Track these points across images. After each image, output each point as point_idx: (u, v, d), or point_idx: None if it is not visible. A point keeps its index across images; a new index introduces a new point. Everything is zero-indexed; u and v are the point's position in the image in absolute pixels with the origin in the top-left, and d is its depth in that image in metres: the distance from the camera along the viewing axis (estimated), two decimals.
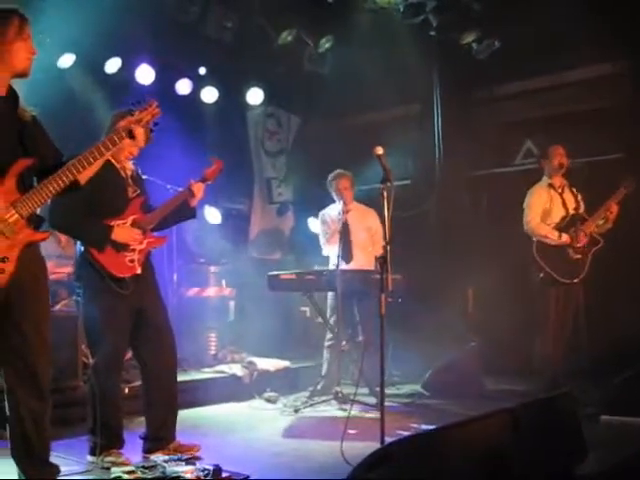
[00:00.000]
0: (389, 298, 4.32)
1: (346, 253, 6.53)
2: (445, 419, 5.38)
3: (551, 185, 6.49)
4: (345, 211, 6.64)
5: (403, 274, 6.49)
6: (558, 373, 6.11)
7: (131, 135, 3.40)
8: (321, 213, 6.99)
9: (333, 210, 6.85)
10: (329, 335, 6.71)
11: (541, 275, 6.28)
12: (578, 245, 6.29)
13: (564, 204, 6.44)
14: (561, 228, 6.36)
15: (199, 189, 4.57)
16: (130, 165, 4.52)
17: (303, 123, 9.91)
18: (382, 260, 4.18)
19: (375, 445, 4.15)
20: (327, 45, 7.78)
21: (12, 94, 3.34)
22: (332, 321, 6.66)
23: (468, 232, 7.78)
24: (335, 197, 6.82)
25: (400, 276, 6.32)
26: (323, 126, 9.29)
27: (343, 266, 6.35)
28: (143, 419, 4.58)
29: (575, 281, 6.25)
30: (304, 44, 7.77)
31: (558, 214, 6.42)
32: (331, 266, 6.69)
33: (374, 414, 5.70)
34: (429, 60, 7.73)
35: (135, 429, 4.65)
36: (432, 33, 7.34)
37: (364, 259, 6.65)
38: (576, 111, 7.60)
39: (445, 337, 7.01)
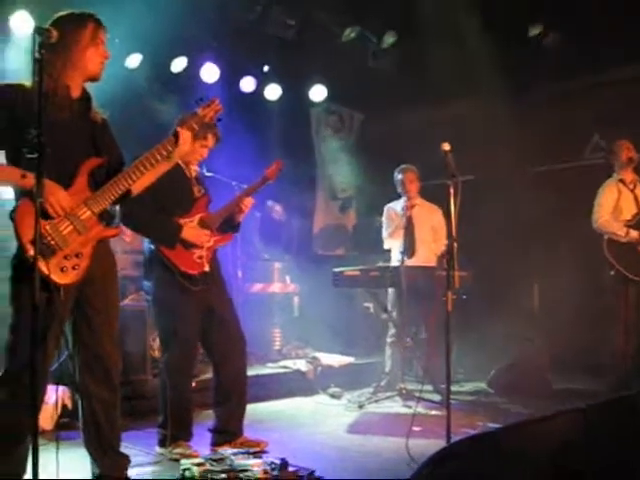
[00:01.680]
0: (454, 295, 4.28)
1: (408, 248, 6.50)
2: (510, 418, 5.35)
3: (622, 181, 6.37)
4: (410, 206, 6.63)
5: (469, 271, 6.46)
6: (630, 371, 5.99)
7: (176, 136, 3.44)
8: (386, 207, 7.00)
9: (398, 205, 6.86)
10: (391, 331, 6.71)
11: (612, 273, 6.19)
12: None
13: (636, 200, 6.31)
14: (632, 225, 6.24)
15: (247, 204, 4.63)
16: (195, 166, 4.61)
17: (366, 120, 9.91)
18: (448, 257, 4.16)
19: (441, 442, 4.15)
20: (390, 41, 7.75)
21: (86, 96, 3.43)
22: (394, 317, 6.65)
23: (535, 228, 7.66)
24: (400, 191, 6.82)
25: (466, 273, 6.28)
26: (386, 122, 9.25)
27: (405, 262, 6.33)
28: (210, 412, 4.67)
29: None
30: (367, 40, 7.76)
31: (630, 211, 6.30)
32: (393, 261, 6.68)
33: (438, 411, 5.68)
34: (494, 53, 7.61)
35: (202, 422, 4.72)
36: (497, 26, 7.23)
37: (426, 255, 6.64)
38: None
39: (511, 335, 6.92)
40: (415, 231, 6.63)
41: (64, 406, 4.96)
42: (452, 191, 4.22)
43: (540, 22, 7.41)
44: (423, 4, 7.03)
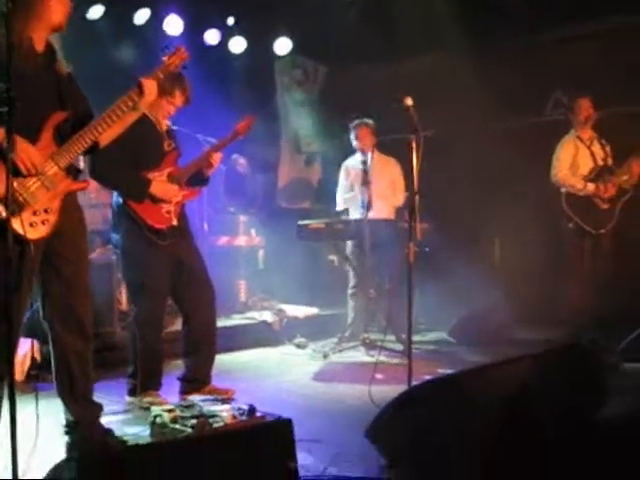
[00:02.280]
0: (416, 247, 4.40)
1: (365, 202, 6.59)
2: (471, 366, 5.51)
3: (579, 138, 6.54)
4: (364, 161, 6.69)
5: (431, 224, 6.58)
6: (585, 322, 6.20)
7: (140, 88, 3.46)
8: (343, 164, 7.06)
9: (353, 160, 6.93)
10: (352, 283, 6.84)
11: (570, 225, 6.39)
12: (606, 195, 6.34)
13: (592, 156, 6.50)
14: (589, 179, 6.43)
15: (216, 159, 4.68)
16: (166, 120, 4.63)
17: (330, 73, 9.90)
18: (410, 209, 4.26)
19: (402, 389, 4.28)
20: None
21: (50, 49, 3.43)
22: (356, 269, 6.77)
23: (497, 183, 7.80)
24: (355, 146, 6.87)
25: (428, 225, 6.40)
26: (351, 76, 9.26)
27: (357, 216, 6.46)
28: (178, 362, 4.79)
29: (603, 231, 6.34)
30: None
31: (586, 166, 6.49)
32: (353, 217, 6.77)
33: (401, 360, 5.84)
34: (458, 9, 7.65)
35: (171, 372, 4.82)
36: None
37: (384, 209, 6.75)
38: (605, 61, 7.51)
39: (472, 286, 7.08)
40: (372, 185, 6.67)
41: (33, 358, 5.02)
42: (414, 145, 4.32)
43: None
44: None
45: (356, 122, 6.89)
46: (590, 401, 3.36)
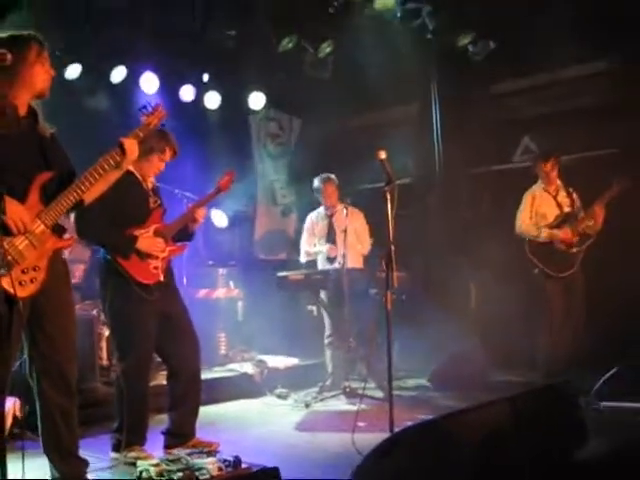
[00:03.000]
0: (393, 295, 4.51)
1: (333, 258, 6.88)
2: (451, 410, 5.57)
3: (544, 189, 6.79)
4: (330, 214, 6.90)
5: (406, 271, 6.70)
6: (558, 363, 6.33)
7: (122, 149, 3.57)
8: (308, 217, 7.23)
9: (318, 213, 7.19)
10: (327, 332, 6.93)
11: (536, 271, 6.64)
12: (567, 242, 6.60)
13: (558, 205, 6.72)
14: (553, 226, 6.68)
15: (201, 215, 4.80)
16: (152, 178, 4.74)
17: (305, 126, 10.09)
18: (387, 258, 4.37)
19: (384, 435, 4.35)
20: (327, 50, 7.94)
21: (32, 113, 3.54)
22: (332, 318, 6.86)
23: (468, 229, 7.95)
24: (320, 200, 7.07)
25: (404, 273, 6.52)
26: (325, 128, 9.45)
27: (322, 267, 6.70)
28: (162, 417, 4.81)
29: (566, 275, 6.56)
30: (305, 49, 7.94)
31: (552, 215, 6.75)
32: (320, 267, 6.96)
33: (382, 407, 5.89)
34: (427, 61, 7.90)
35: (154, 426, 4.81)
36: (429, 36, 7.52)
37: (353, 258, 6.86)
38: (571, 108, 7.76)
39: (449, 332, 7.16)
40: (336, 237, 6.88)
41: (15, 416, 5.01)
42: (389, 196, 4.45)
43: (470, 30, 7.69)
44: (358, 16, 7.26)
45: (322, 176, 7.08)
46: (567, 443, 3.43)
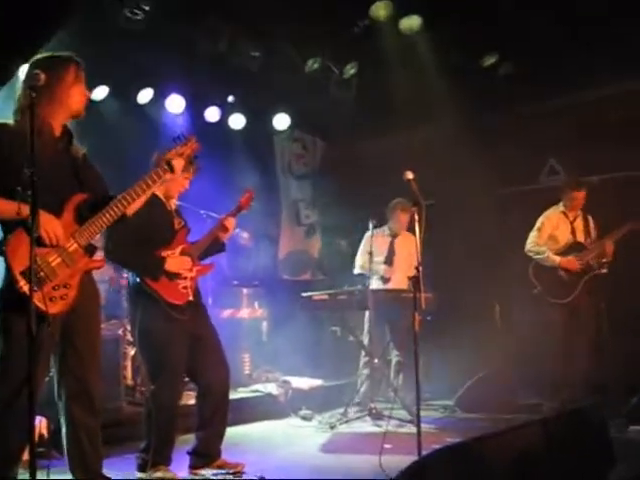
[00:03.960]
0: (420, 316, 4.48)
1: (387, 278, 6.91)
2: (479, 433, 5.51)
3: (564, 213, 6.80)
4: (394, 235, 7.01)
5: (433, 292, 6.67)
6: (574, 388, 6.30)
7: (170, 167, 3.61)
8: (370, 232, 7.12)
9: (382, 232, 7.16)
10: (364, 352, 6.90)
11: (535, 291, 6.72)
12: (571, 269, 6.61)
13: (573, 232, 6.77)
14: (561, 253, 6.71)
15: (231, 224, 4.81)
16: (175, 199, 4.76)
17: (329, 146, 10.13)
18: (415, 279, 4.35)
19: (412, 458, 4.29)
20: (352, 71, 7.98)
21: (67, 133, 3.60)
22: (367, 340, 6.84)
23: (495, 249, 7.91)
24: (390, 220, 7.12)
25: (431, 294, 6.49)
26: (349, 149, 9.48)
27: (376, 286, 6.56)
28: (187, 437, 4.79)
29: (566, 301, 6.57)
30: (329, 70, 7.98)
31: (564, 240, 6.79)
32: (372, 286, 6.88)
33: (408, 429, 5.85)
34: (452, 83, 7.89)
35: (179, 446, 4.80)
36: (454, 57, 7.52)
37: (401, 281, 6.84)
38: (597, 129, 7.72)
39: (475, 354, 7.12)
40: (395, 259, 6.93)
41: (41, 435, 5.02)
42: (417, 217, 4.44)
43: (494, 52, 7.69)
44: (383, 37, 7.28)
45: (397, 202, 7.09)
46: (597, 466, 3.40)
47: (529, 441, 2.99)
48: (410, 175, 4.49)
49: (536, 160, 8.34)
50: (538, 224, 6.91)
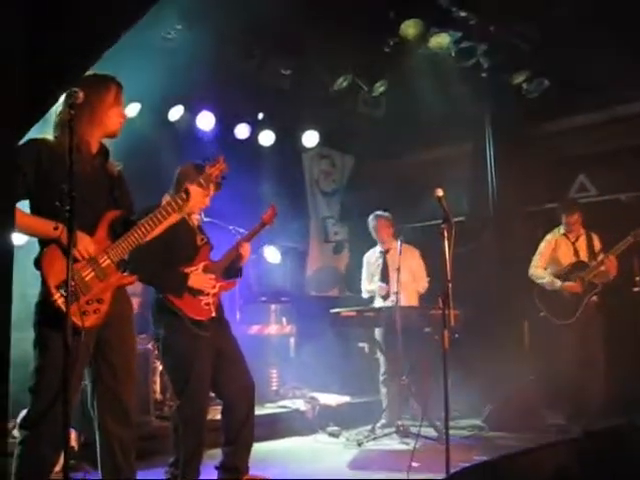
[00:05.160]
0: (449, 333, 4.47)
1: (385, 296, 6.93)
2: (506, 452, 5.47)
3: (565, 235, 6.85)
4: (385, 251, 6.91)
5: (460, 309, 6.64)
6: (598, 406, 6.32)
7: (187, 193, 3.65)
8: (365, 256, 7.26)
9: (374, 251, 7.22)
10: (382, 369, 6.89)
11: (541, 314, 6.78)
12: (572, 291, 6.63)
13: (575, 252, 6.78)
14: (563, 274, 6.75)
15: (246, 251, 4.84)
16: (197, 215, 4.80)
17: (357, 163, 10.17)
18: (444, 296, 4.34)
19: (440, 476, 4.29)
20: (381, 89, 8.03)
21: (103, 150, 3.66)
22: (386, 356, 6.83)
23: (524, 266, 7.87)
24: (375, 237, 7.13)
25: (458, 312, 6.47)
26: (377, 166, 9.51)
27: (384, 303, 6.69)
28: (214, 451, 4.80)
29: (570, 322, 6.59)
30: (359, 88, 8.03)
31: (567, 261, 6.82)
32: (376, 304, 6.97)
33: (436, 447, 5.82)
34: (481, 100, 7.91)
35: (207, 461, 4.81)
36: (483, 75, 7.54)
37: (406, 296, 6.86)
38: (627, 145, 7.69)
39: (503, 371, 7.08)
40: (389, 274, 6.89)
41: (71, 448, 5.06)
42: (446, 234, 4.44)
43: (524, 69, 7.70)
44: (412, 55, 7.33)
45: (376, 214, 7.16)
46: None
47: (561, 460, 2.97)
48: (440, 192, 4.49)
49: (566, 176, 8.31)
50: (540, 248, 7.00)
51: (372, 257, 7.22)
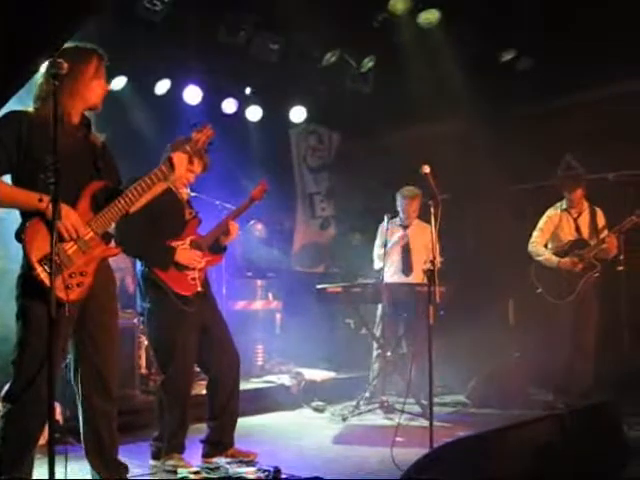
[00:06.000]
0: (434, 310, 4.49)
1: (406, 266, 6.87)
2: (491, 427, 5.51)
3: (567, 210, 6.74)
4: (405, 226, 6.91)
5: (446, 286, 6.66)
6: (587, 385, 6.35)
7: (171, 163, 3.62)
8: (385, 223, 7.08)
9: (395, 222, 7.06)
10: (377, 345, 6.92)
11: (538, 290, 6.68)
12: (572, 269, 6.53)
13: (577, 229, 6.68)
14: (562, 252, 6.65)
15: (234, 229, 4.81)
16: (186, 189, 4.77)
17: (344, 139, 10.14)
18: (430, 272, 4.36)
19: (424, 451, 4.30)
20: (369, 64, 7.99)
21: (85, 122, 3.61)
22: (378, 332, 6.85)
23: (509, 245, 7.89)
24: (400, 211, 7.02)
25: (444, 288, 6.49)
26: (364, 142, 9.47)
27: (395, 279, 6.56)
28: (199, 426, 4.82)
29: (568, 300, 6.52)
30: (347, 64, 7.99)
31: (567, 238, 6.71)
32: (387, 279, 6.86)
33: (420, 423, 5.87)
34: (469, 78, 7.88)
35: (192, 435, 4.82)
36: (472, 52, 7.51)
37: (418, 273, 6.80)
38: (614, 125, 7.69)
39: (487, 348, 7.13)
40: (412, 250, 6.89)
41: (55, 421, 5.06)
42: (433, 211, 4.45)
43: (512, 47, 7.68)
44: (400, 31, 7.28)
45: (408, 190, 6.97)
46: (613, 461, 3.40)
47: (544, 435, 2.99)
48: (427, 169, 4.49)
49: (552, 155, 8.30)
50: (540, 224, 6.86)
51: (393, 228, 7.00)
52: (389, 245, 6.78)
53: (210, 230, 4.84)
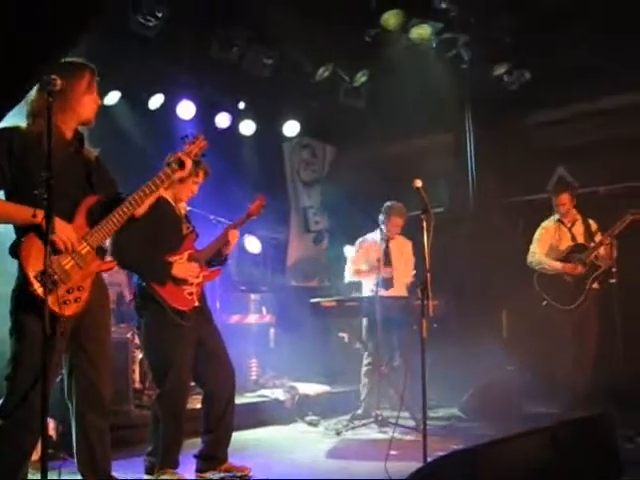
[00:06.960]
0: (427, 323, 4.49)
1: (388, 280, 6.80)
2: (484, 440, 5.51)
3: (560, 221, 6.82)
4: (387, 240, 6.91)
5: (439, 300, 6.67)
6: (579, 395, 6.32)
7: (182, 165, 3.65)
8: (360, 239, 7.14)
9: (374, 236, 7.06)
10: (366, 360, 6.91)
11: (544, 303, 6.69)
12: (574, 273, 6.58)
13: (573, 237, 6.76)
14: (563, 258, 6.70)
15: (234, 237, 4.82)
16: (184, 204, 4.78)
17: (338, 153, 10.17)
18: (423, 286, 4.36)
19: (418, 465, 4.30)
20: (362, 79, 8.04)
21: (78, 136, 3.63)
22: (369, 346, 6.85)
23: (502, 258, 7.92)
24: (383, 228, 6.99)
25: (437, 302, 6.50)
26: (358, 156, 9.51)
27: (382, 292, 6.56)
28: (193, 440, 4.80)
29: (573, 307, 6.56)
30: (340, 78, 8.03)
31: (565, 247, 6.78)
32: (365, 292, 6.92)
33: (413, 436, 5.86)
34: (462, 91, 7.94)
35: (186, 450, 4.81)
36: (464, 66, 7.57)
37: (401, 287, 6.88)
38: (607, 138, 7.74)
39: (481, 361, 7.12)
40: (393, 262, 6.90)
41: (49, 437, 5.04)
42: (425, 225, 4.46)
43: (505, 61, 7.73)
44: (393, 45, 7.33)
45: (393, 206, 6.93)
46: (607, 474, 3.40)
47: (537, 448, 2.99)
48: (419, 183, 4.50)
49: (545, 168, 8.35)
50: (536, 235, 6.94)
51: (371, 241, 7.06)
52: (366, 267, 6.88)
53: (208, 244, 4.83)
